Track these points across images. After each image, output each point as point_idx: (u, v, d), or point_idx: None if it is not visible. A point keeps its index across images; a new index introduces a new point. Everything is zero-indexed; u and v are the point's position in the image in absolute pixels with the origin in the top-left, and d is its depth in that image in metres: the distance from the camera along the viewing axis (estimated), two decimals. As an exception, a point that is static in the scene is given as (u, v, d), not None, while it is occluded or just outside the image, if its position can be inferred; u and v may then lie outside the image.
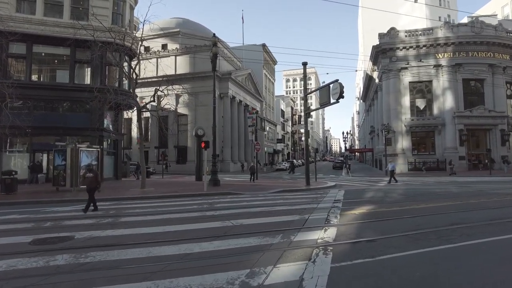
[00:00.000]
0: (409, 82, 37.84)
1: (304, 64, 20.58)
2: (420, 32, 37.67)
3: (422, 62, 36.81)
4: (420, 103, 38.30)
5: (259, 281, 4.24)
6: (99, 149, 18.22)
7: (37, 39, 21.98)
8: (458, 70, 36.35)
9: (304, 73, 21.03)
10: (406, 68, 37.35)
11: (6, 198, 13.72)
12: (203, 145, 17.69)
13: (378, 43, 38.68)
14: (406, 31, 38.18)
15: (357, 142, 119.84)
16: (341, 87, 16.99)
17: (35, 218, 9.24)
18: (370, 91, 56.99)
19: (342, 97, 17.05)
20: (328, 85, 18.17)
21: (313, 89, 24.95)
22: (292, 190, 17.32)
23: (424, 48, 36.92)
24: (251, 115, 50.32)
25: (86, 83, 22.93)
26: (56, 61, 23.54)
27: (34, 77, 22.72)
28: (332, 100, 17.76)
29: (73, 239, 6.58)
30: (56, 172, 16.60)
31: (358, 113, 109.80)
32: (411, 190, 16.75)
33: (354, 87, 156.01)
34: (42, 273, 4.60)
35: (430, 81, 37.49)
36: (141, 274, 4.49)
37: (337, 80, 17.35)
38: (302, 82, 21.69)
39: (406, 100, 37.73)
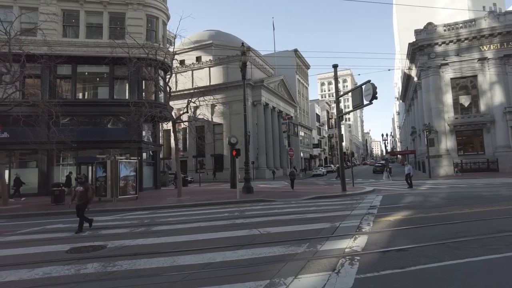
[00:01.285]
0: (451, 79, 35.67)
1: (335, 66, 20.16)
2: (460, 25, 35.48)
3: (465, 56, 34.56)
4: (464, 100, 35.88)
5: (277, 292, 4.13)
6: (137, 160, 19.08)
7: (81, 60, 23.65)
8: (507, 62, 33.68)
9: (335, 75, 20.59)
10: (446, 64, 35.28)
11: (55, 209, 14.75)
12: (234, 153, 17.84)
13: (414, 40, 36.99)
14: (445, 25, 36.15)
15: (398, 144, 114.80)
16: (374, 88, 16.39)
17: (76, 228, 9.80)
18: (409, 91, 54.52)
19: (375, 98, 16.42)
20: (360, 86, 17.62)
21: (345, 92, 24.31)
22: (326, 197, 16.88)
23: (466, 41, 34.69)
24: (284, 121, 50.15)
25: (125, 98, 24.19)
26: (97, 78, 25.12)
27: (79, 95, 24.38)
28: (365, 102, 17.18)
29: (105, 248, 6.87)
30: (98, 184, 17.57)
31: (398, 113, 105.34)
32: (455, 194, 15.63)
33: (392, 87, 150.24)
34: (70, 281, 4.83)
35: (475, 76, 35.07)
36: (162, 284, 4.56)
37: (369, 81, 16.77)
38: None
39: (448, 98, 35.56)
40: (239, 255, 5.96)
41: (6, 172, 20.26)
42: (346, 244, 6.52)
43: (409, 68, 45.51)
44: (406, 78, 52.05)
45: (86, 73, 24.80)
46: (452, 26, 35.69)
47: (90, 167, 22.83)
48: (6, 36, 16.82)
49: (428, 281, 4.37)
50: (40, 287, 4.62)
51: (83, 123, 23.24)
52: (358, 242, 6.60)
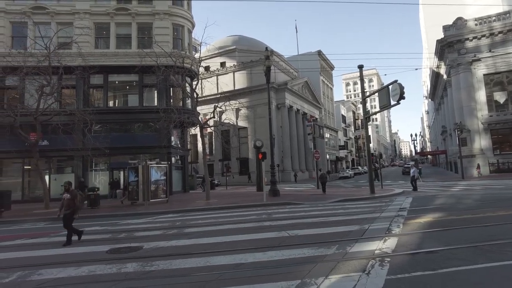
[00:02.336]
0: (484, 75, 34.13)
1: (360, 67, 19.95)
2: (494, 18, 33.93)
3: (499, 50, 33.01)
4: (500, 97, 34.21)
5: (308, 292, 4.26)
6: (167, 165, 19.74)
7: (112, 70, 24.78)
8: (546, 55, 31.85)
9: (361, 76, 20.35)
10: (478, 60, 33.81)
11: (91, 212, 15.56)
12: (260, 156, 18.05)
13: (443, 36, 35.77)
14: (476, 19, 34.70)
15: (428, 144, 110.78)
16: (401, 88, 16.09)
17: (113, 230, 10.36)
18: (438, 89, 52.64)
19: (403, 98, 16.10)
20: (387, 86, 17.34)
21: (371, 92, 23.95)
22: (354, 199, 16.70)
23: (500, 35, 33.12)
24: (309, 123, 49.93)
25: (154, 105, 25.08)
26: (127, 87, 26.21)
27: (110, 103, 25.54)
28: (392, 102, 16.87)
29: (141, 249, 7.24)
30: (131, 188, 18.32)
31: (427, 112, 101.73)
32: (489, 195, 15.00)
33: (420, 85, 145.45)
34: (113, 279, 5.19)
35: (511, 71, 33.39)
36: (197, 283, 4.81)
37: (396, 81, 16.48)
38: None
39: (481, 95, 34.04)
40: (269, 256, 6.12)
41: (46, 177, 21.48)
42: (376, 246, 6.52)
43: (438, 66, 43.99)
44: (435, 76, 50.33)
45: (117, 82, 25.94)
46: (484, 20, 34.20)
47: (122, 172, 23.87)
48: (46, 51, 18.01)
49: (462, 283, 4.34)
50: (86, 284, 5.00)
51: (114, 130, 24.29)
52: (388, 244, 6.59)
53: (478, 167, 31.56)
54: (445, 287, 4.22)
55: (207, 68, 51.25)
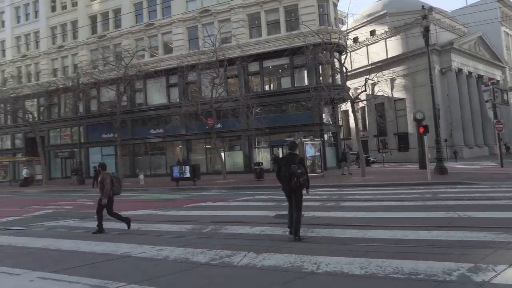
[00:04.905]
0: None
1: None
2: None
3: None
4: None
5: (484, 277, 3.81)
6: (320, 142, 20.44)
7: (265, 56, 26.91)
8: None
9: None
10: None
11: (258, 183, 17.92)
12: (421, 130, 16.31)
13: None
14: None
15: None
16: None
17: (277, 199, 11.66)
18: None
19: None
20: None
21: None
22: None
23: None
24: (487, 88, 41.19)
25: (304, 84, 26.02)
26: (279, 70, 27.97)
27: (265, 87, 27.96)
28: None
29: (302, 217, 7.97)
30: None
31: None
32: None
33: None
34: (281, 239, 6.01)
35: None
36: (357, 251, 5.02)
37: None
38: None
39: None
40: (434, 235, 5.70)
41: (222, 154, 25.78)
42: None
43: None
44: None
45: (270, 67, 28.00)
46: None
47: (280, 149, 26.15)
48: (213, 48, 21.30)
49: None
50: (260, 240, 5.99)
51: (271, 111, 26.53)
52: None
53: None
54: None
55: (355, 40, 48.77)
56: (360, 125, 45.13)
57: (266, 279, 4.05)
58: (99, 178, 7.45)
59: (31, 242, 6.67)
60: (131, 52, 25.95)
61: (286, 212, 8.61)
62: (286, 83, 27.14)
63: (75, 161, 31.25)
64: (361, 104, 37.64)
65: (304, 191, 6.01)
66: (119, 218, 7.45)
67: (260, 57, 26.68)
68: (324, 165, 22.45)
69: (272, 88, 28.18)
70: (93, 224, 7.39)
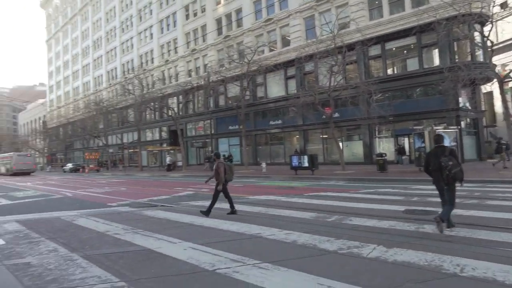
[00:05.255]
0: None
1: None
2: None
3: None
4: None
5: None
6: (456, 130, 17.83)
7: (388, 37, 24.81)
8: None
9: None
10: None
11: (381, 175, 16.90)
12: None
13: None
14: None
15: None
16: None
17: (404, 193, 10.86)
18: None
19: None
20: None
21: None
22: None
23: None
24: None
25: (434, 65, 22.99)
26: (404, 51, 25.36)
27: (389, 71, 25.81)
28: None
29: (437, 213, 7.22)
30: (417, 154, 18.06)
31: None
32: None
33: None
34: (412, 235, 5.61)
35: None
36: (504, 257, 4.31)
37: None
38: None
39: None
40: None
41: (340, 144, 25.18)
42: None
43: None
44: None
45: (393, 49, 25.66)
46: None
47: (406, 139, 23.95)
48: (332, 35, 20.79)
49: None
50: (391, 235, 5.72)
51: (395, 97, 24.40)
52: None
53: None
54: None
55: (503, 5, 39.94)
56: (510, 109, 37.29)
57: (399, 274, 3.90)
58: (214, 166, 8.15)
59: (180, 218, 8.00)
60: (253, 49, 27.67)
61: (417, 208, 7.97)
62: (412, 65, 24.52)
63: (208, 150, 35.53)
64: (510, 84, 30.92)
65: (457, 184, 5.75)
66: (231, 202, 8.21)
67: (381, 39, 24.82)
68: (462, 157, 19.53)
69: (395, 72, 25.90)
70: (226, 206, 8.33)
